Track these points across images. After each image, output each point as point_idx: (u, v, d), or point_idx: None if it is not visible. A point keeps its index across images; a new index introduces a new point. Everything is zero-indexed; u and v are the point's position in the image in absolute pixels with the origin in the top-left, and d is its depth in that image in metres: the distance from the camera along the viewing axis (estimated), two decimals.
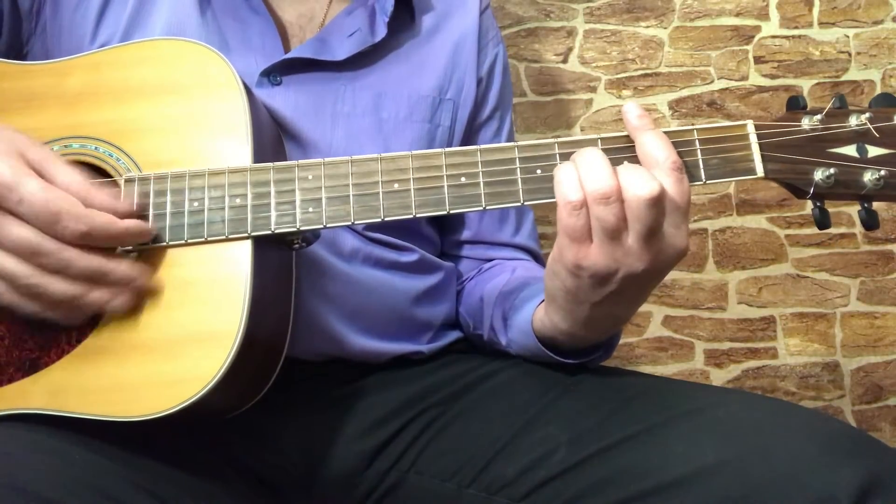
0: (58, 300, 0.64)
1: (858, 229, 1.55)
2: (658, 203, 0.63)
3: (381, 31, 0.88)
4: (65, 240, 0.63)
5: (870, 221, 0.68)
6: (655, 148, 0.66)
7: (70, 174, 0.65)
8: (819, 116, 0.68)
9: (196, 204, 0.70)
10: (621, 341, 1.51)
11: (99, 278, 0.65)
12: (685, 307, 1.55)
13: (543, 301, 0.76)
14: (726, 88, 1.53)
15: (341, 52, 0.86)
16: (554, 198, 0.68)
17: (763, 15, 1.53)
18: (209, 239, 0.69)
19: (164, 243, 0.69)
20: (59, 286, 0.64)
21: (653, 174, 0.64)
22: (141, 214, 0.69)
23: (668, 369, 1.56)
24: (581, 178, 0.64)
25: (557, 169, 0.66)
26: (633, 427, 0.71)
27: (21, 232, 0.62)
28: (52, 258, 0.63)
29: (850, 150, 0.67)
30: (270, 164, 0.71)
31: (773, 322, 1.56)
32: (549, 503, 0.72)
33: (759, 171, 0.68)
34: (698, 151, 0.69)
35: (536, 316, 0.78)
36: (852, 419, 1.58)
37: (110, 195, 0.66)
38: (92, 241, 0.64)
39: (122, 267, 0.66)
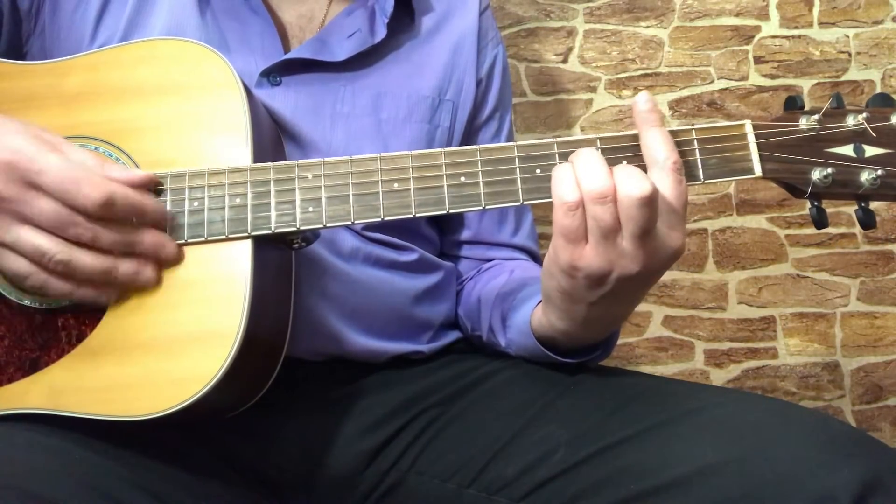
0: (89, 275, 0.65)
1: (858, 229, 1.55)
2: (650, 203, 0.62)
3: (381, 32, 0.88)
4: (86, 209, 0.63)
5: (867, 221, 0.68)
6: (658, 146, 0.66)
7: (83, 153, 0.66)
8: (817, 116, 0.68)
9: (196, 204, 0.70)
10: (621, 341, 1.52)
11: (128, 248, 0.65)
12: (685, 307, 1.55)
13: (541, 301, 0.76)
14: (726, 88, 1.53)
15: (341, 52, 0.86)
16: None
17: (763, 15, 1.53)
18: (209, 239, 0.70)
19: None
20: (89, 260, 0.64)
21: (646, 175, 0.64)
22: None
23: (668, 369, 1.55)
24: (578, 178, 0.64)
25: (555, 170, 0.66)
26: (633, 427, 0.71)
27: (47, 204, 0.63)
28: (81, 228, 0.64)
29: (848, 150, 0.68)
30: (270, 164, 0.71)
31: (773, 322, 1.56)
32: (549, 503, 0.72)
33: (758, 171, 0.69)
34: (697, 151, 0.69)
35: (534, 316, 0.78)
36: (852, 419, 1.58)
37: (124, 169, 0.67)
38: (113, 210, 0.64)
39: (148, 235, 0.66)
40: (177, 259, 0.69)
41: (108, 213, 0.64)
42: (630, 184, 0.62)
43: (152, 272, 0.67)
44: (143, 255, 0.67)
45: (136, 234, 0.66)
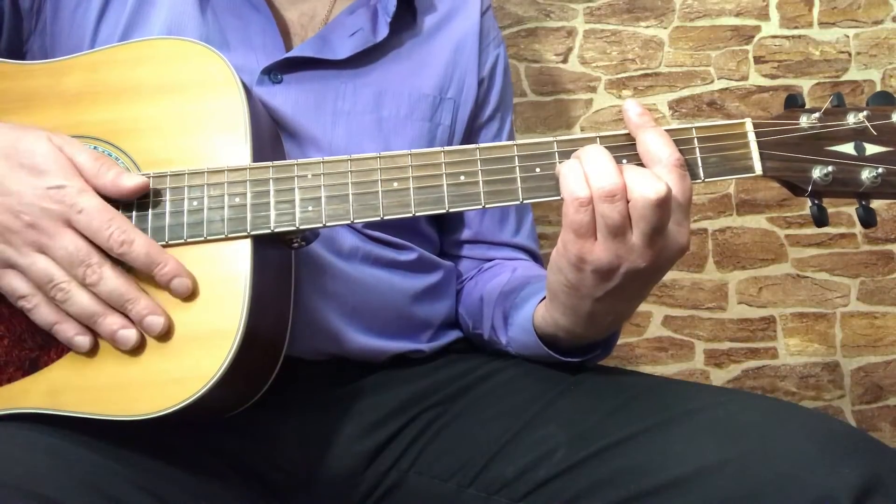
0: (77, 313, 0.66)
1: (858, 229, 1.55)
2: (665, 204, 0.63)
3: (383, 31, 0.88)
4: (108, 246, 0.65)
5: (867, 219, 0.68)
6: (658, 146, 0.66)
7: (84, 154, 0.68)
8: (817, 115, 0.68)
9: (195, 203, 0.70)
10: (621, 341, 1.52)
11: (122, 304, 0.66)
12: (685, 307, 1.55)
13: (545, 298, 0.76)
14: (726, 88, 1.53)
15: (343, 51, 0.86)
16: (553, 196, 0.68)
17: (763, 15, 1.53)
18: (208, 238, 0.69)
19: (164, 243, 0.69)
20: (84, 300, 0.66)
21: (656, 173, 0.64)
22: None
23: (668, 369, 1.55)
24: (587, 174, 0.64)
25: (562, 165, 0.67)
26: (632, 427, 0.71)
27: (74, 241, 0.65)
28: (90, 269, 0.65)
29: (848, 148, 0.68)
30: (270, 163, 0.71)
31: (773, 322, 1.56)
32: (549, 503, 0.72)
33: (758, 169, 0.69)
34: (697, 150, 0.69)
35: (538, 313, 0.78)
36: (852, 419, 1.58)
37: (118, 173, 0.68)
38: (132, 253, 0.66)
39: (144, 300, 0.67)
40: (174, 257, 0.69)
41: (124, 256, 0.66)
42: (645, 185, 0.63)
43: (134, 336, 0.66)
44: (132, 316, 0.67)
45: (135, 292, 0.67)
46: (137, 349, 0.67)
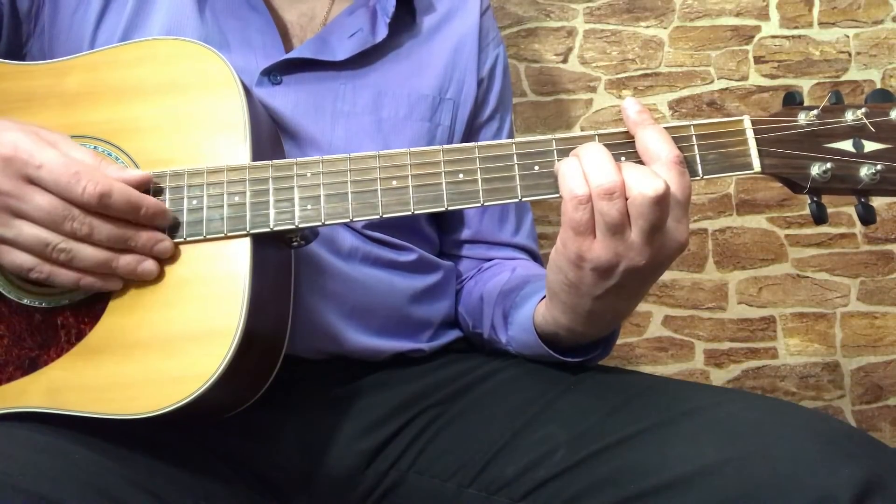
0: (91, 265, 0.66)
1: (858, 229, 1.55)
2: (663, 201, 0.63)
3: (383, 32, 0.88)
4: (84, 202, 0.64)
5: (867, 216, 0.68)
6: (656, 143, 0.66)
7: (83, 150, 0.67)
8: (815, 112, 0.68)
9: (195, 202, 0.70)
10: (621, 341, 1.52)
11: (124, 244, 0.66)
12: (685, 307, 1.55)
13: (545, 297, 0.76)
14: (726, 88, 1.53)
15: (342, 52, 0.86)
16: (552, 194, 0.68)
17: (763, 15, 1.53)
18: (208, 237, 0.70)
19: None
20: (88, 251, 0.66)
21: (655, 171, 0.64)
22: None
23: (668, 369, 1.55)
24: (585, 172, 0.64)
25: (561, 163, 0.67)
26: (633, 427, 0.71)
27: (46, 199, 0.64)
28: (76, 223, 0.64)
29: (847, 145, 0.68)
30: (269, 162, 0.71)
31: (773, 322, 1.56)
32: (549, 503, 0.72)
33: (756, 166, 0.69)
34: (695, 147, 0.69)
35: (538, 312, 0.78)
36: (852, 419, 1.58)
37: (122, 168, 0.68)
38: (111, 205, 0.65)
39: (144, 232, 0.67)
40: (174, 256, 0.69)
41: (105, 208, 0.65)
42: (644, 182, 0.63)
43: (153, 265, 0.68)
44: (140, 250, 0.67)
45: (131, 231, 0.67)
46: (137, 348, 0.67)
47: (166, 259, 0.69)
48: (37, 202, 0.64)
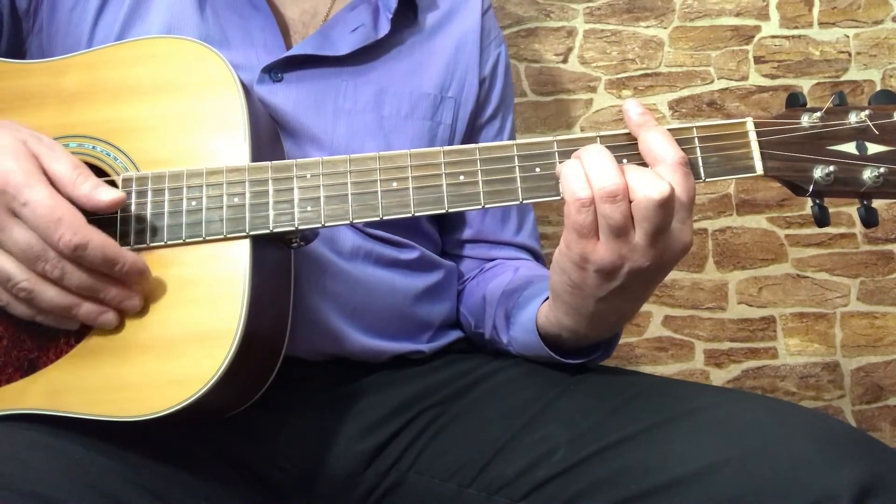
0: (48, 308, 0.65)
1: (858, 229, 1.55)
2: (668, 204, 0.63)
3: (385, 28, 0.88)
4: (59, 250, 0.63)
5: (869, 219, 0.68)
6: (661, 145, 0.66)
7: (68, 166, 0.65)
8: (819, 114, 0.68)
9: (194, 203, 0.70)
10: (621, 341, 1.51)
11: (93, 294, 0.65)
12: (685, 307, 1.55)
13: (548, 299, 0.76)
14: (726, 88, 1.53)
15: (344, 47, 0.86)
16: (553, 196, 0.68)
17: (763, 15, 1.53)
18: (207, 238, 0.69)
19: (163, 243, 0.69)
20: (51, 294, 0.65)
21: (660, 173, 0.64)
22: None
23: (668, 369, 1.55)
24: (588, 175, 0.64)
25: (563, 165, 0.66)
26: (633, 427, 0.71)
27: (24, 235, 0.63)
28: (49, 265, 0.63)
29: (850, 148, 0.67)
30: (269, 163, 0.71)
31: (773, 322, 1.56)
32: (549, 503, 0.72)
33: (759, 169, 0.68)
34: (697, 149, 0.68)
35: (541, 313, 0.78)
36: (852, 419, 1.57)
37: (93, 187, 0.66)
38: (84, 258, 0.64)
39: (114, 288, 0.66)
40: (174, 257, 0.69)
41: (80, 259, 0.64)
42: (649, 185, 0.62)
43: (114, 318, 0.67)
44: (106, 304, 0.67)
45: (102, 283, 0.65)
46: (136, 350, 0.67)
47: (166, 261, 0.69)
48: (15, 237, 0.63)
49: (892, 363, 1.57)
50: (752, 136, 0.68)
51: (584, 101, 1.52)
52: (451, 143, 0.92)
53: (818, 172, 0.67)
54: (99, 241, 0.64)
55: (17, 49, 0.85)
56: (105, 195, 0.65)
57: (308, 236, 0.73)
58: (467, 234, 0.97)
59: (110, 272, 0.65)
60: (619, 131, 0.69)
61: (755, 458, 0.63)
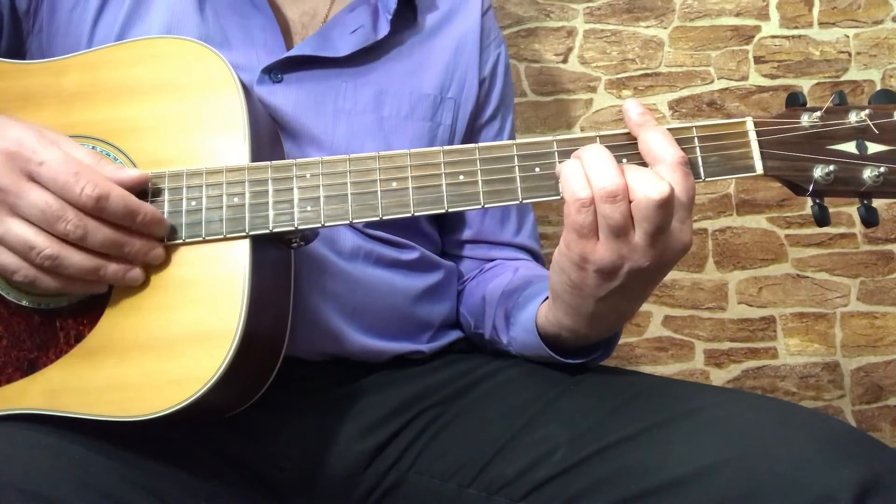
0: (76, 273, 0.65)
1: (858, 229, 1.55)
2: (668, 204, 0.63)
3: (384, 29, 0.88)
4: (80, 204, 0.63)
5: (869, 219, 0.68)
6: (661, 145, 0.66)
7: (84, 151, 0.66)
8: (819, 113, 0.68)
9: (194, 203, 0.70)
10: (621, 341, 1.51)
11: (117, 250, 0.65)
12: (685, 307, 1.55)
13: (548, 299, 0.76)
14: (726, 88, 1.53)
15: (343, 48, 0.86)
16: (553, 196, 0.68)
17: (763, 15, 1.53)
18: (207, 238, 0.69)
19: (162, 243, 0.69)
20: (78, 259, 0.65)
21: (659, 173, 0.64)
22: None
23: (668, 369, 1.55)
24: (588, 175, 0.64)
25: (563, 165, 0.66)
26: (633, 427, 0.71)
27: (42, 196, 0.63)
28: (70, 225, 0.63)
29: (850, 147, 0.67)
30: (268, 163, 0.71)
31: (773, 322, 1.56)
32: (549, 503, 0.72)
33: (759, 169, 0.68)
34: (697, 149, 0.68)
35: (541, 313, 0.78)
36: (852, 419, 1.57)
37: (119, 167, 0.68)
38: (107, 209, 0.64)
39: (138, 240, 0.66)
40: (173, 257, 0.69)
41: (102, 211, 0.64)
42: (649, 185, 0.62)
43: (140, 274, 0.68)
44: (132, 258, 0.67)
45: (126, 237, 0.66)
46: (136, 350, 0.67)
47: (166, 261, 0.69)
48: (33, 200, 0.63)
49: (892, 363, 1.57)
50: (752, 136, 0.68)
51: (583, 101, 1.52)
52: (450, 144, 0.92)
53: (818, 172, 0.67)
54: (119, 191, 0.65)
55: (17, 49, 0.85)
56: (129, 173, 0.67)
57: (308, 236, 0.73)
58: (467, 234, 0.97)
59: (132, 224, 0.66)
60: (618, 131, 0.69)
61: (755, 458, 0.63)
